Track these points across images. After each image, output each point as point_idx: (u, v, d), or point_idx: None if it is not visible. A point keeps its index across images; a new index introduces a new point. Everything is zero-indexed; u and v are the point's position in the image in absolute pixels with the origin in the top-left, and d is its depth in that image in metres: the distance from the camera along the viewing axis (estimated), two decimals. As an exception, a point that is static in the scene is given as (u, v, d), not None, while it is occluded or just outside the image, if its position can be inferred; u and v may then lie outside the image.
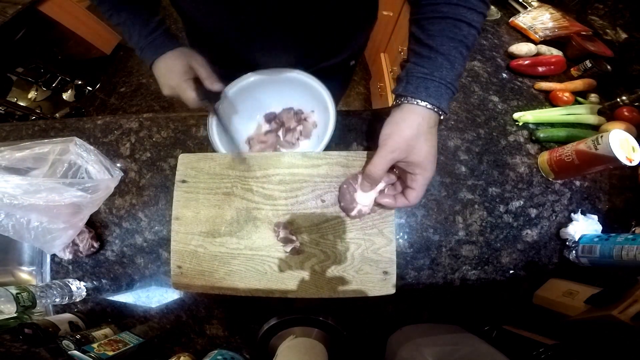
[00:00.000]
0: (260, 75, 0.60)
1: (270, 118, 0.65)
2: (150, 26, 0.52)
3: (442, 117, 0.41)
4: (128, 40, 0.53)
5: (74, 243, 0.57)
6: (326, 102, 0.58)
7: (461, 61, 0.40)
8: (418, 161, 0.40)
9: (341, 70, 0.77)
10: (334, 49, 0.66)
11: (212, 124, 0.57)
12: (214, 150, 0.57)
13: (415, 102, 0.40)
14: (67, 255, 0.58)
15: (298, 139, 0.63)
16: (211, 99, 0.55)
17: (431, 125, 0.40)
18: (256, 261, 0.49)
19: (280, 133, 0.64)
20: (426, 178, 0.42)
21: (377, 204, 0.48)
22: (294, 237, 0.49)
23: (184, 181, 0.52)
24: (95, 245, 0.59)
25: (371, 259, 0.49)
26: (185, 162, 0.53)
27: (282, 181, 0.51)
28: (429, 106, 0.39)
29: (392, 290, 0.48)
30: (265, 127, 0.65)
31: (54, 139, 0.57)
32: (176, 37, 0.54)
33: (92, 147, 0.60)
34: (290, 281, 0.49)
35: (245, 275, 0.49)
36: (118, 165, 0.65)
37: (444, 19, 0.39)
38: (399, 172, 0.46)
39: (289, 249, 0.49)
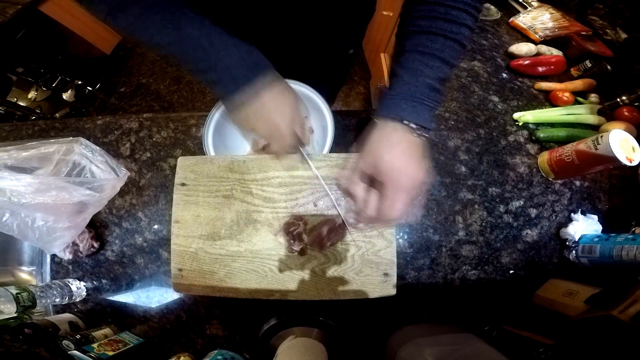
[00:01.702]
0: None
1: None
2: (232, 37, 0.40)
3: (413, 127, 0.40)
4: (199, 63, 0.40)
5: (74, 243, 0.57)
6: (319, 105, 0.58)
7: (430, 73, 0.40)
8: (386, 169, 0.41)
9: (340, 59, 0.78)
10: (332, 37, 0.66)
11: (209, 132, 0.57)
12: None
13: (378, 119, 0.43)
14: (67, 255, 0.58)
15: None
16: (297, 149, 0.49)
17: (400, 137, 0.41)
18: (256, 264, 0.49)
19: None
20: (396, 187, 0.40)
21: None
22: (305, 236, 0.49)
23: (183, 184, 0.52)
24: (95, 245, 0.59)
25: (371, 261, 0.48)
26: (185, 165, 0.53)
27: (282, 184, 0.51)
28: (389, 119, 0.41)
29: (393, 292, 0.48)
30: (262, 142, 0.64)
31: (60, 139, 0.57)
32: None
33: (97, 148, 0.60)
34: (290, 283, 0.49)
35: (246, 277, 0.49)
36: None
37: (420, 33, 0.41)
38: (378, 186, 0.44)
39: (298, 247, 0.48)
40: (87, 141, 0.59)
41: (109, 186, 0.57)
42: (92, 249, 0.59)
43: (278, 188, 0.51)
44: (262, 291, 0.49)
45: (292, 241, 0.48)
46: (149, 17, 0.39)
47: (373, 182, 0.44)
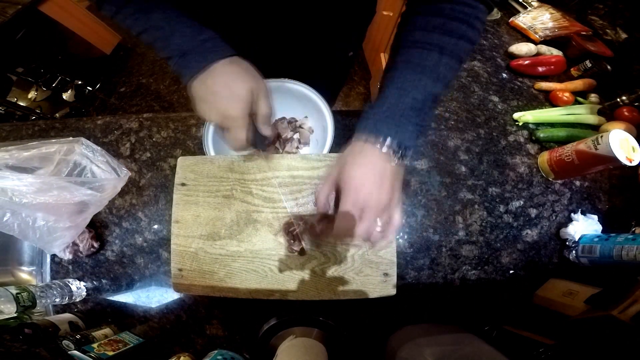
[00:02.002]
0: None
1: None
2: (195, 25, 0.41)
3: (385, 150, 0.38)
4: (161, 47, 0.41)
5: (74, 243, 0.57)
6: (319, 105, 0.58)
7: (417, 93, 0.38)
8: (344, 181, 0.39)
9: (339, 61, 0.77)
10: (332, 39, 0.66)
11: (209, 132, 0.56)
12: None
13: (355, 135, 0.40)
14: (67, 255, 0.58)
15: (297, 147, 0.63)
16: (258, 143, 0.44)
17: (367, 157, 0.38)
18: (256, 264, 0.49)
19: (278, 145, 0.64)
20: (351, 200, 0.38)
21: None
22: (305, 236, 0.49)
23: (183, 184, 0.52)
24: (95, 245, 0.59)
25: (371, 261, 0.49)
26: (185, 165, 0.53)
27: (282, 184, 0.51)
28: (362, 136, 0.39)
29: (393, 292, 0.48)
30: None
31: (61, 139, 0.58)
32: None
33: (98, 148, 0.60)
34: (290, 283, 0.49)
35: (246, 277, 0.49)
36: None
37: (414, 47, 0.39)
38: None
39: (298, 247, 0.48)
40: (88, 141, 0.59)
41: (110, 186, 0.57)
42: (92, 249, 0.59)
43: (278, 188, 0.51)
44: (262, 291, 0.49)
45: (292, 241, 0.48)
46: (127, 7, 0.41)
47: (338, 193, 0.42)
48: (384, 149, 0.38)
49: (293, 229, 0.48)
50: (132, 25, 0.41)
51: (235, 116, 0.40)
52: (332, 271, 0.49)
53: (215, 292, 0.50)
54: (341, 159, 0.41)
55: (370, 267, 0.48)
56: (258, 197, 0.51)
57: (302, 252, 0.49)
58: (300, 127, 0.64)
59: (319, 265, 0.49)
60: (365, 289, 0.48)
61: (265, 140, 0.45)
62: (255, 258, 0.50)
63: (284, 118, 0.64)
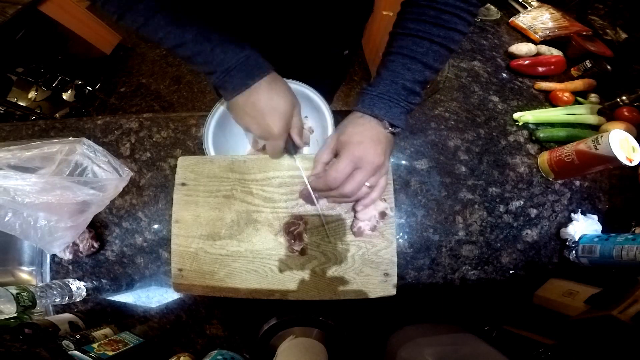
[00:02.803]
0: None
1: None
2: (235, 40, 0.42)
3: (382, 121, 0.43)
4: (202, 62, 0.42)
5: (74, 243, 0.57)
6: (319, 105, 0.57)
7: (409, 75, 0.42)
8: (344, 140, 0.44)
9: (336, 60, 0.78)
10: (327, 38, 0.66)
11: (209, 131, 0.56)
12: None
13: (354, 111, 0.46)
14: (67, 256, 0.58)
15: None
16: (291, 149, 0.50)
17: (366, 122, 0.44)
18: (257, 264, 0.49)
19: None
20: (349, 154, 0.42)
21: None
22: (306, 236, 0.49)
23: (183, 184, 0.52)
24: (95, 245, 0.59)
25: (372, 261, 0.49)
26: (185, 165, 0.53)
27: (283, 184, 0.51)
28: (359, 112, 0.45)
29: (393, 292, 0.48)
30: (261, 142, 0.63)
31: (63, 139, 0.58)
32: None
33: (100, 148, 0.60)
34: (290, 283, 0.49)
35: (246, 277, 0.49)
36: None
37: (407, 36, 0.42)
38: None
39: (298, 247, 0.48)
40: (90, 141, 0.59)
41: (112, 186, 0.57)
42: (92, 249, 0.59)
43: (278, 188, 0.51)
44: (262, 291, 0.49)
45: (292, 241, 0.48)
46: (154, 18, 0.40)
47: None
48: (380, 122, 0.43)
49: (294, 229, 0.48)
50: (164, 40, 0.41)
51: (278, 133, 0.44)
52: (333, 271, 0.49)
53: (215, 292, 0.50)
54: (339, 127, 0.46)
55: (371, 267, 0.48)
56: (258, 197, 0.51)
57: (302, 252, 0.49)
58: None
59: (319, 265, 0.49)
60: (366, 289, 0.48)
61: (298, 149, 0.51)
62: (256, 258, 0.50)
63: None
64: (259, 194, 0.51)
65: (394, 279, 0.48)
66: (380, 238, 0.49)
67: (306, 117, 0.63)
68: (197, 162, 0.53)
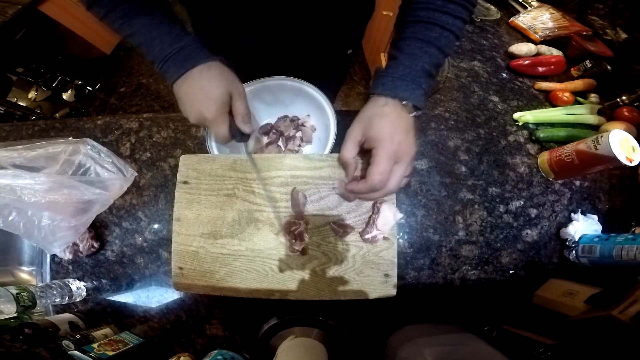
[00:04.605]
0: (246, 87, 0.58)
1: (267, 130, 0.64)
2: (175, 32, 0.44)
3: (404, 104, 0.43)
4: (145, 52, 0.44)
5: (74, 243, 0.57)
6: (321, 104, 0.57)
7: (427, 58, 0.43)
8: (375, 135, 0.42)
9: (338, 59, 0.78)
10: (330, 37, 0.66)
11: (212, 137, 0.56)
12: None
13: (372, 94, 0.45)
14: (67, 256, 0.58)
15: (300, 145, 0.63)
16: (238, 136, 0.49)
17: (391, 110, 0.43)
18: (257, 263, 0.49)
19: (280, 143, 0.63)
20: (387, 151, 0.41)
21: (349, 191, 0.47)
22: (307, 236, 0.49)
23: (185, 182, 0.52)
24: (95, 245, 0.60)
25: (372, 262, 0.49)
26: (187, 163, 0.53)
27: (284, 183, 0.51)
28: (383, 95, 0.44)
29: (393, 292, 0.48)
30: (264, 139, 0.64)
31: (68, 140, 0.58)
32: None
33: (104, 148, 0.60)
34: (291, 283, 0.49)
35: (247, 276, 0.49)
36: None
37: (418, 22, 0.43)
38: (366, 158, 0.46)
39: (299, 247, 0.48)
40: (94, 142, 0.59)
41: (116, 185, 0.57)
42: (92, 249, 0.59)
43: (280, 187, 0.51)
44: (262, 291, 0.49)
45: (293, 240, 0.48)
46: (114, 11, 0.43)
47: (364, 152, 0.45)
48: (403, 105, 0.43)
49: (294, 229, 0.48)
50: (119, 30, 0.44)
51: (210, 117, 0.44)
52: (333, 271, 0.49)
53: (215, 291, 0.50)
54: (363, 118, 0.44)
55: (371, 268, 0.48)
56: (260, 196, 0.51)
57: (303, 251, 0.49)
58: (302, 125, 0.63)
59: (319, 265, 0.49)
60: (366, 290, 0.48)
61: (246, 136, 0.49)
62: (257, 257, 0.50)
63: (286, 116, 0.64)
64: (261, 193, 0.51)
65: (394, 280, 0.48)
66: (381, 239, 0.49)
67: (308, 115, 0.63)
68: (200, 160, 0.53)
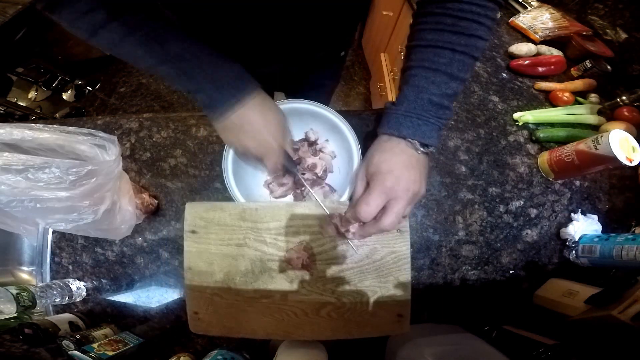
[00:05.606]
0: None
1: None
2: (221, 56, 0.41)
3: (409, 141, 0.40)
4: (187, 79, 0.41)
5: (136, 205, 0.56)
6: (339, 126, 0.54)
7: (434, 89, 0.40)
8: (373, 170, 0.41)
9: (332, 61, 0.77)
10: (323, 41, 0.65)
11: (228, 162, 0.52)
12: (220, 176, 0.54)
13: (380, 134, 0.43)
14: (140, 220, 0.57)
15: (319, 175, 0.57)
16: (288, 166, 0.48)
17: (394, 145, 0.41)
18: (273, 309, 0.49)
19: (299, 190, 0.57)
20: (380, 185, 0.39)
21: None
22: (309, 265, 0.49)
23: (193, 232, 0.50)
24: (153, 203, 0.59)
25: (387, 304, 0.48)
26: (193, 212, 0.50)
27: (297, 232, 0.49)
28: (385, 135, 0.42)
29: (408, 329, 0.48)
30: (279, 189, 0.58)
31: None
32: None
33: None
34: (307, 326, 0.48)
35: (263, 321, 0.49)
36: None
37: (427, 47, 0.40)
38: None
39: (299, 272, 0.49)
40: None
41: (96, 150, 0.52)
42: (150, 207, 0.59)
43: (293, 237, 0.49)
44: (279, 333, 0.49)
45: (302, 270, 0.49)
46: (133, 35, 0.39)
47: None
48: (411, 144, 0.40)
49: (298, 259, 0.49)
50: (143, 56, 0.40)
51: (277, 146, 0.44)
52: (348, 315, 0.48)
53: (233, 334, 0.49)
54: (367, 157, 0.44)
55: (385, 310, 0.48)
56: (272, 246, 0.49)
57: (306, 267, 0.49)
58: (320, 151, 0.58)
59: (334, 310, 0.48)
60: (380, 329, 0.49)
61: (294, 165, 0.49)
62: (272, 304, 0.49)
63: (304, 140, 0.58)
64: (273, 243, 0.49)
65: (407, 319, 0.48)
66: (395, 282, 0.49)
67: (326, 140, 0.59)
68: (207, 209, 0.50)
